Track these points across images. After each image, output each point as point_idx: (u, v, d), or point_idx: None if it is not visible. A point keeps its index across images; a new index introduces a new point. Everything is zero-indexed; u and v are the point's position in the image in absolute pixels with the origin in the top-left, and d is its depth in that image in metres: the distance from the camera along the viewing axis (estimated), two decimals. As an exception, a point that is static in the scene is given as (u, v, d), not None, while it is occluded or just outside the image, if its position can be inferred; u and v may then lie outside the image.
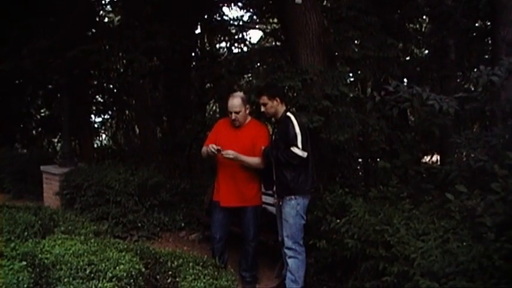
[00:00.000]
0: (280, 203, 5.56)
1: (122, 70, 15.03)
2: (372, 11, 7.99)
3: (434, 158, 10.14)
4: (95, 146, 16.47)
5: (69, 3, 10.54)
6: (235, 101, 5.77)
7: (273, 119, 6.02)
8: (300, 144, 5.31)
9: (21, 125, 16.63)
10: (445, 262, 3.85)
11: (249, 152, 5.71)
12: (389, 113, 5.72)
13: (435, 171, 6.15)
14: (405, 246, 4.44)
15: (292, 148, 5.32)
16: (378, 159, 7.77)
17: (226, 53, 13.96)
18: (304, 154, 5.33)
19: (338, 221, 5.36)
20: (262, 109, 5.66)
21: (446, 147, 8.15)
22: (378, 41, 7.63)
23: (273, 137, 5.81)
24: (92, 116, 16.05)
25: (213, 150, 5.55)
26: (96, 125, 17.51)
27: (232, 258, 6.22)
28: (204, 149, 5.90)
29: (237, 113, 5.74)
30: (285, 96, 5.88)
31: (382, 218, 5.03)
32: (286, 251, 5.51)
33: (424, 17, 10.92)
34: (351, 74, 8.42)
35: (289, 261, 5.49)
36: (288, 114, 5.55)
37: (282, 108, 5.62)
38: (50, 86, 15.28)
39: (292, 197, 5.42)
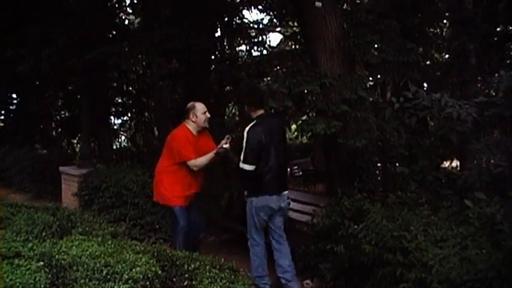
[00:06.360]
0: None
1: (141, 72, 15.12)
2: (391, 15, 7.97)
3: (454, 164, 10.05)
4: (114, 147, 16.57)
5: (89, 4, 10.61)
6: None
7: None
8: (242, 157, 5.51)
9: (41, 126, 16.80)
10: (463, 269, 3.81)
11: None
12: (409, 121, 5.69)
13: (454, 177, 6.10)
14: (423, 252, 4.39)
15: (240, 164, 5.56)
16: (397, 164, 7.73)
17: (245, 56, 13.97)
18: (250, 167, 5.49)
19: (356, 226, 5.31)
20: None
21: (466, 152, 8.07)
22: (398, 45, 7.59)
23: None
24: (111, 117, 16.16)
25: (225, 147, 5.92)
26: (115, 127, 17.62)
27: (246, 261, 6.21)
28: (203, 159, 6.11)
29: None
30: (256, 104, 5.79)
31: (400, 223, 4.99)
32: None
33: (445, 21, 10.87)
34: (370, 78, 8.39)
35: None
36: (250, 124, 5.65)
37: (254, 115, 5.74)
38: (69, 88, 15.43)
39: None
